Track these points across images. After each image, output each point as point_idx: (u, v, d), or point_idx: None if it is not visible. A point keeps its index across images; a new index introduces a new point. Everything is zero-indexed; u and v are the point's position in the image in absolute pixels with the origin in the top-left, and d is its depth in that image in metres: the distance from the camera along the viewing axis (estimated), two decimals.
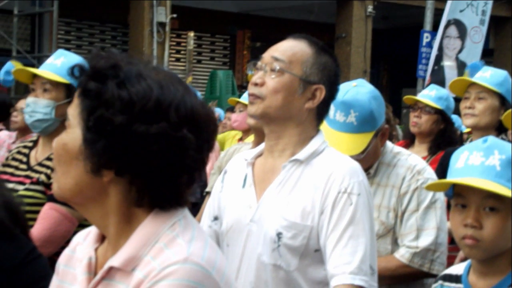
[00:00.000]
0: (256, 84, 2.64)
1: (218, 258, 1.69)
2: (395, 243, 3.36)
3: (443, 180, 2.27)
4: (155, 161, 1.64)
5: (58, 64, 3.67)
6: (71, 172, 1.69)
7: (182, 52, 18.09)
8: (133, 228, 1.69)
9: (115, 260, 1.67)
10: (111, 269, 1.69)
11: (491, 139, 2.25)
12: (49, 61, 3.74)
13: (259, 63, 2.68)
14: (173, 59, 17.37)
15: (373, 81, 18.18)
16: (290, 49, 2.66)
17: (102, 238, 1.80)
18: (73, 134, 1.68)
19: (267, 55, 2.67)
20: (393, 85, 20.40)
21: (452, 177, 2.25)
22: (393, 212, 3.34)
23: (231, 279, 1.71)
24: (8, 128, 7.20)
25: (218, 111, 8.92)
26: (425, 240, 3.29)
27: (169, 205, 1.71)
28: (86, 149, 1.65)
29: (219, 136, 8.47)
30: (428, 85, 11.02)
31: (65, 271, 1.85)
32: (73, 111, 1.69)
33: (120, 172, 1.65)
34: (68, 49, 16.48)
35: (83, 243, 1.83)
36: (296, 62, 2.63)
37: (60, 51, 3.76)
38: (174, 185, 1.68)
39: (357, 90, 3.28)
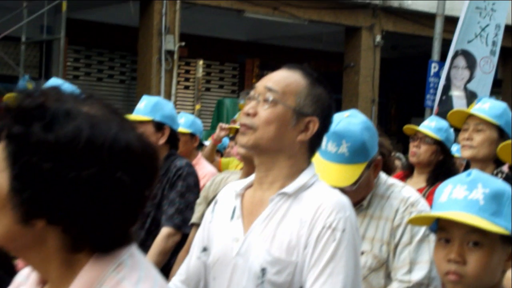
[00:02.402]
0: (248, 114, 2.59)
1: None
2: (388, 277, 3.31)
3: (426, 214, 2.24)
4: (88, 207, 1.52)
5: None
6: (1, 220, 1.56)
7: (191, 80, 18.13)
8: (76, 273, 1.58)
9: None
10: None
11: (475, 172, 2.22)
12: None
13: (252, 93, 2.63)
14: (181, 86, 17.41)
15: (382, 110, 18.17)
16: (284, 79, 2.61)
17: (45, 280, 1.68)
18: (0, 180, 1.55)
19: (261, 85, 2.62)
20: (401, 115, 20.35)
21: (436, 211, 2.21)
22: (386, 246, 3.30)
23: None
24: None
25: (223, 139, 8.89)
26: (418, 274, 3.24)
27: (112, 247, 1.60)
28: (14, 198, 1.52)
29: (224, 161, 8.40)
30: (436, 114, 11.04)
31: None
32: (0, 155, 1.56)
33: (52, 221, 1.53)
34: (77, 76, 16.46)
35: (26, 283, 1.73)
36: (290, 93, 2.58)
37: (54, 80, 3.76)
38: (112, 227, 1.57)
39: (349, 121, 3.25)
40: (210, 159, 7.44)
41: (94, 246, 1.58)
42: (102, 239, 1.58)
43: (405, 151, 12.42)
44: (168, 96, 13.94)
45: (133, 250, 1.66)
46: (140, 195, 1.61)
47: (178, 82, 15.07)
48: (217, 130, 7.23)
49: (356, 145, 3.22)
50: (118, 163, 1.54)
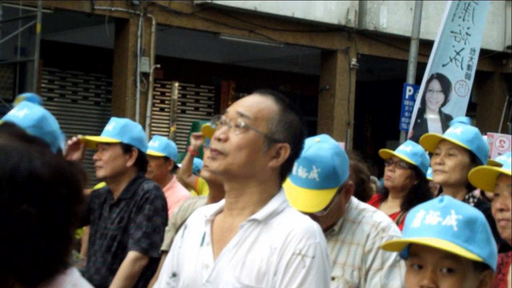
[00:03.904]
0: (219, 139, 2.56)
1: None
2: None
3: (399, 240, 2.22)
4: None
5: (20, 116, 3.63)
6: None
7: (167, 102, 18.11)
8: None
9: None
10: None
11: (448, 199, 2.21)
12: (12, 112, 3.69)
13: (223, 118, 2.60)
14: (157, 108, 17.37)
15: (357, 133, 18.23)
16: (256, 105, 2.58)
17: None
18: None
19: (232, 110, 2.59)
20: (377, 137, 20.43)
21: (408, 237, 2.20)
22: (358, 271, 3.27)
23: None
24: None
25: (197, 162, 8.79)
26: None
27: (43, 277, 1.51)
28: None
29: (201, 180, 8.30)
30: (411, 137, 11.09)
31: None
32: None
33: None
34: (51, 98, 16.33)
35: None
36: (262, 119, 2.55)
37: (24, 103, 3.71)
38: (34, 260, 1.48)
39: (320, 146, 3.22)
40: (188, 171, 7.35)
41: (23, 280, 1.50)
42: (28, 272, 1.49)
43: (380, 174, 12.46)
44: (143, 118, 13.89)
45: (76, 279, 1.58)
46: (59, 223, 1.51)
47: (153, 104, 15.03)
48: (192, 140, 7.08)
49: (326, 171, 3.19)
50: (21, 195, 1.45)
